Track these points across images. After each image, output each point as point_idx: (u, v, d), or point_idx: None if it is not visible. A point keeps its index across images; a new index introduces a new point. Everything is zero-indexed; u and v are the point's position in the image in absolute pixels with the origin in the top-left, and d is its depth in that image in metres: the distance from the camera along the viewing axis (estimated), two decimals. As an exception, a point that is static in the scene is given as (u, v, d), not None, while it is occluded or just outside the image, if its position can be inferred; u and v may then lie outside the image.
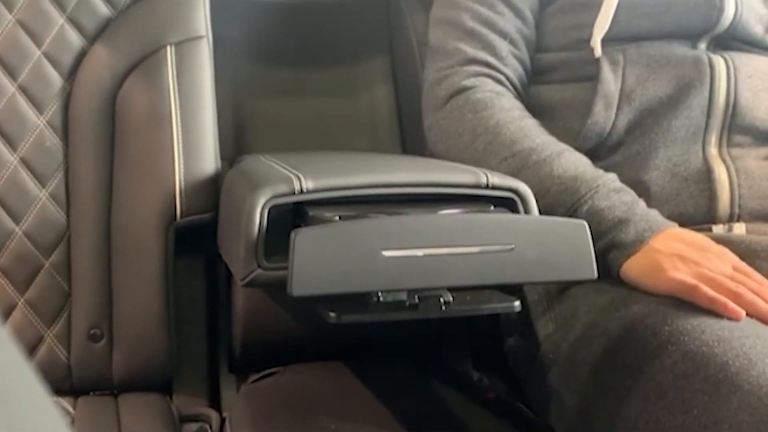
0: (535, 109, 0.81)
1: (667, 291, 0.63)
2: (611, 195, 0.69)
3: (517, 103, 0.79)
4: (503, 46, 0.80)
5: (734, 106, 0.74)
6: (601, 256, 0.65)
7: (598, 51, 0.76)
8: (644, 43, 0.76)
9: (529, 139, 0.74)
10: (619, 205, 0.68)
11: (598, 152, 0.76)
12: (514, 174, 0.71)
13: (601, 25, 0.76)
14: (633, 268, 0.65)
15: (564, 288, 0.72)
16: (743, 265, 0.64)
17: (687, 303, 0.61)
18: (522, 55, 0.82)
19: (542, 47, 0.82)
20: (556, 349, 0.70)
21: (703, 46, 0.77)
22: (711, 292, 0.59)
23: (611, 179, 0.71)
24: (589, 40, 0.77)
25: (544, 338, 0.72)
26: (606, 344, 0.63)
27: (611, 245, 0.67)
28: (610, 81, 0.75)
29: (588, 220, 0.59)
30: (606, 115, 0.75)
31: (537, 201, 0.65)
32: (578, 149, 0.76)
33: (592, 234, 0.57)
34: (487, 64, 0.80)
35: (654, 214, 0.69)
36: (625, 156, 0.75)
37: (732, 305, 0.58)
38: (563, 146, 0.74)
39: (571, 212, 0.69)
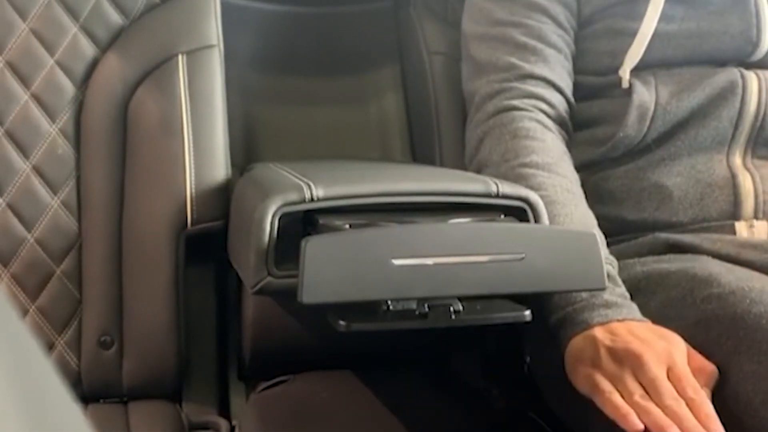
0: None
1: (580, 387, 0.60)
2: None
3: (560, 146, 0.76)
4: (557, 59, 0.79)
5: (763, 119, 0.74)
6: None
7: (626, 82, 0.76)
8: (674, 68, 0.76)
9: (547, 186, 0.71)
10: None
11: (624, 158, 0.76)
12: None
13: (634, 56, 0.76)
14: (570, 350, 0.62)
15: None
16: (681, 369, 0.58)
17: (727, 327, 0.59)
18: (570, 68, 0.81)
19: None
20: None
21: (734, 67, 0.77)
22: (617, 400, 0.56)
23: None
24: (618, 67, 0.76)
25: None
26: (703, 327, 0.61)
27: (564, 320, 0.64)
28: (644, 93, 0.75)
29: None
30: (639, 127, 0.74)
31: None
32: (604, 157, 0.75)
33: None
34: (545, 79, 0.78)
35: (623, 301, 0.64)
36: (649, 162, 0.75)
37: (632, 418, 0.54)
38: (580, 209, 0.71)
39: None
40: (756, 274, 0.66)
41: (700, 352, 0.60)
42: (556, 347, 0.73)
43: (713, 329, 0.60)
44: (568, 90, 0.79)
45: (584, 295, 0.62)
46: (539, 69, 0.78)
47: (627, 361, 0.58)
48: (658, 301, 0.66)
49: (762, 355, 0.56)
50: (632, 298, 0.66)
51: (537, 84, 0.78)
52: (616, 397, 0.57)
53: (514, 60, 0.79)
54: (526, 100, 0.77)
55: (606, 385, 0.58)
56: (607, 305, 0.62)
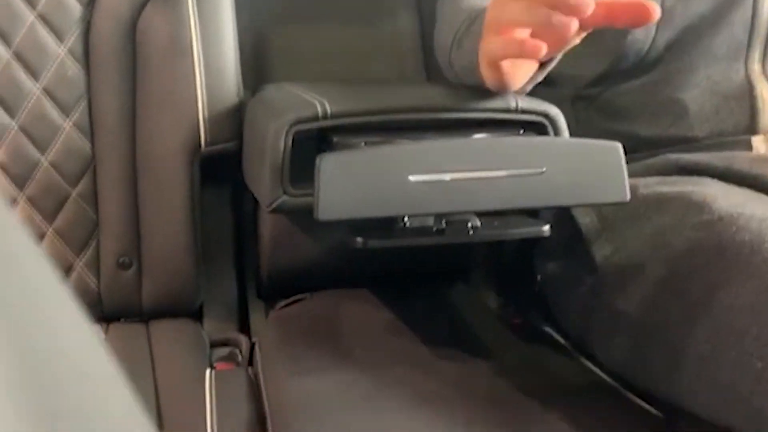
0: None
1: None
2: None
3: None
4: None
5: None
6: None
7: None
8: None
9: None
10: None
11: (635, 71, 0.74)
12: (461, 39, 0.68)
13: None
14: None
15: (619, 210, 0.69)
16: None
17: None
18: None
19: None
20: (618, 271, 0.67)
21: None
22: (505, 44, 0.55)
23: None
24: None
25: (603, 260, 0.69)
26: (687, 256, 0.59)
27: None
28: None
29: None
30: (646, 31, 0.72)
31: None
32: (614, 68, 0.73)
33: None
34: None
35: None
36: (663, 74, 0.73)
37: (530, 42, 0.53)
38: None
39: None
40: (755, 196, 0.64)
41: (684, 283, 0.59)
42: (566, 263, 0.74)
43: (697, 258, 0.58)
44: None
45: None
46: None
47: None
48: (651, 228, 0.65)
49: (740, 287, 0.54)
50: (630, 223, 0.66)
51: None
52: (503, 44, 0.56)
53: None
54: None
55: (494, 47, 0.57)
56: None
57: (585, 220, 0.73)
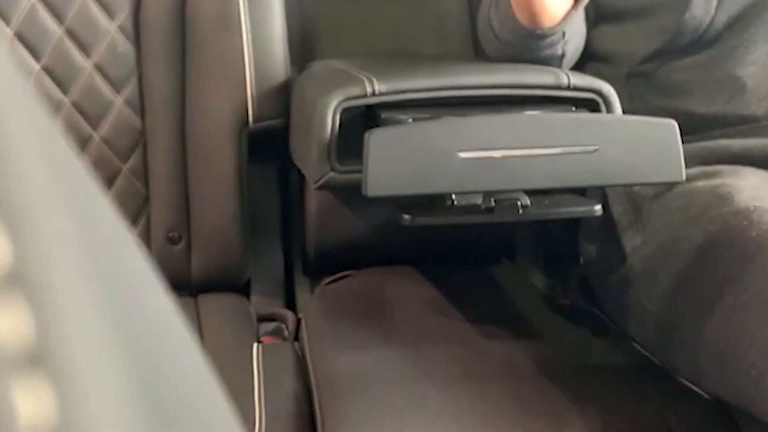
0: (624, 11, 0.76)
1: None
2: None
3: None
4: None
5: None
6: None
7: None
8: None
9: None
10: None
11: (692, 47, 0.71)
12: None
13: None
14: None
15: (653, 197, 0.69)
16: None
17: None
18: None
19: None
20: (645, 262, 0.67)
21: None
22: None
23: None
24: None
25: (632, 251, 0.69)
26: (701, 251, 0.59)
27: None
28: None
29: None
30: (705, 8, 0.70)
31: None
32: (670, 45, 0.71)
33: None
34: None
35: None
36: (720, 51, 0.71)
37: None
38: None
39: None
40: None
41: (697, 279, 0.58)
42: (603, 249, 0.72)
43: (710, 253, 0.57)
44: None
45: None
46: None
47: None
48: (679, 221, 0.64)
49: (742, 286, 0.52)
50: (659, 216, 0.65)
51: None
52: None
53: None
54: None
55: None
56: None
57: (618, 209, 0.72)
